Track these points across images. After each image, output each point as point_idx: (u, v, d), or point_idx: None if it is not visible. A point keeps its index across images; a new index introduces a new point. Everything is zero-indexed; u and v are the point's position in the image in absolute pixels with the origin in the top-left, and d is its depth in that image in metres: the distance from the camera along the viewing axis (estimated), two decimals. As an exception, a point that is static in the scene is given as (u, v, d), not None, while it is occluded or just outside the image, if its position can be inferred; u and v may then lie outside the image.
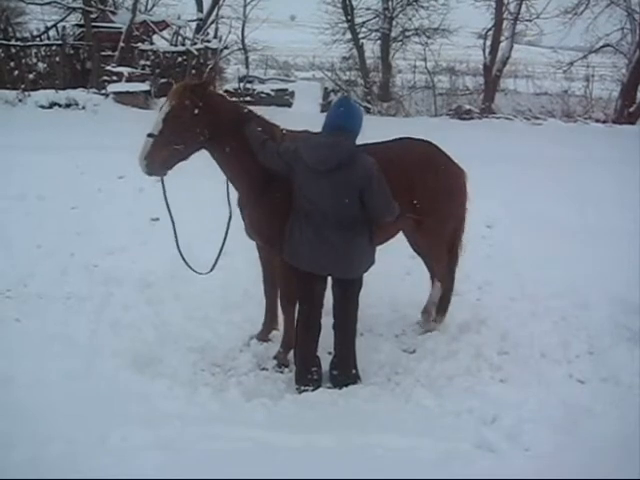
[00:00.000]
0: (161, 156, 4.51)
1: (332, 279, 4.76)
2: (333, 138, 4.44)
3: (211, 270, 5.08)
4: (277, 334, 5.47)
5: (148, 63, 19.99)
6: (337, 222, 4.48)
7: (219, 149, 4.74)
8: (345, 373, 4.82)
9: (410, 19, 22.62)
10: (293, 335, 4.98)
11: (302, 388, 4.75)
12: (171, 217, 4.92)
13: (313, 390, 4.71)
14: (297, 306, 4.90)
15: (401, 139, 5.45)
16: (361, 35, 22.59)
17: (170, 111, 4.47)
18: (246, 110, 4.91)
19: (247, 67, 23.95)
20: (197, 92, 4.55)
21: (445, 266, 5.67)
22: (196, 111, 4.50)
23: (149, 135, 4.47)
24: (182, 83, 4.70)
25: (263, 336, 5.49)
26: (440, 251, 5.59)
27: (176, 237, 4.96)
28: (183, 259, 4.99)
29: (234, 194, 5.01)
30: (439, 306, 5.76)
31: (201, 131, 4.57)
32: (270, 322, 5.51)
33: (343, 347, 4.83)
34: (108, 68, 18.71)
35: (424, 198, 5.12)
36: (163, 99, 16.05)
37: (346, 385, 4.76)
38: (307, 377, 4.79)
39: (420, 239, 5.56)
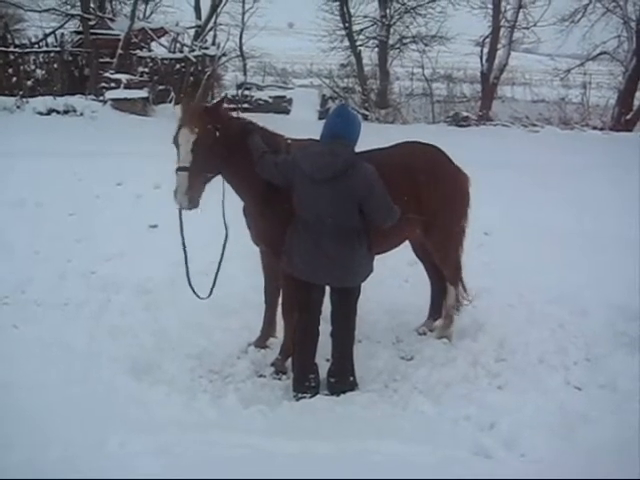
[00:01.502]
0: (197, 187, 4.49)
1: (330, 287, 4.76)
2: (331, 147, 4.44)
3: (209, 295, 5.03)
4: (275, 341, 5.48)
5: (146, 70, 20.03)
6: (336, 231, 4.48)
7: (228, 162, 4.71)
8: (342, 380, 4.82)
9: (407, 27, 22.70)
10: (292, 342, 4.98)
11: (300, 395, 4.74)
12: (184, 249, 4.92)
13: (311, 397, 4.71)
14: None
15: (405, 143, 5.48)
16: (359, 42, 22.65)
17: (197, 140, 4.41)
18: (248, 121, 4.93)
19: (245, 74, 23.98)
20: (216, 115, 4.53)
21: (455, 270, 5.70)
22: (217, 134, 4.49)
23: (181, 169, 4.40)
24: (196, 106, 4.64)
25: (261, 343, 5.49)
26: (450, 256, 5.63)
27: (187, 268, 4.91)
28: (191, 287, 4.94)
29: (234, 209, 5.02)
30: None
31: (222, 152, 4.55)
32: (268, 329, 5.51)
33: (341, 354, 4.83)
34: (106, 75, 18.73)
35: (431, 204, 5.14)
36: (161, 106, 16.00)
37: (343, 392, 4.76)
38: (305, 384, 4.79)
39: (430, 246, 5.55)
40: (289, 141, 4.95)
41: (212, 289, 5.03)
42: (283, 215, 4.68)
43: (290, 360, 5.02)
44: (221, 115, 4.62)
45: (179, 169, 4.42)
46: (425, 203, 5.11)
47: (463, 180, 5.52)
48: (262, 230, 4.93)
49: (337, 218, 4.47)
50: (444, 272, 5.72)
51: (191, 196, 4.45)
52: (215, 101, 4.72)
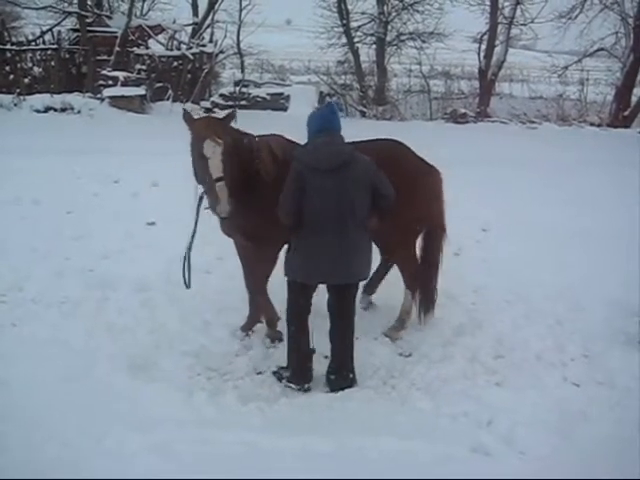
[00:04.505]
0: (230, 193, 4.62)
1: (331, 286, 4.77)
2: (330, 138, 4.54)
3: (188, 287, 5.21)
4: (261, 326, 5.62)
5: (144, 67, 20.05)
6: (354, 226, 4.53)
7: None
8: (342, 377, 4.83)
9: (405, 23, 22.75)
10: (270, 310, 5.40)
11: (306, 386, 4.84)
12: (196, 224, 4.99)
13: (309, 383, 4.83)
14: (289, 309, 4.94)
15: (375, 140, 5.56)
16: (356, 39, 22.68)
17: (224, 150, 4.58)
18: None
19: (243, 71, 23.98)
20: (228, 125, 4.80)
21: (413, 272, 5.66)
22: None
23: (218, 180, 4.54)
24: (212, 119, 4.85)
25: (248, 328, 5.64)
26: (407, 255, 5.62)
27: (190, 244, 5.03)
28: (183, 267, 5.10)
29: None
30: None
31: (235, 158, 4.75)
32: (254, 315, 5.66)
33: (342, 352, 4.84)
34: (104, 72, 18.72)
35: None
36: (158, 103, 16.12)
37: (342, 389, 4.77)
38: (307, 374, 4.87)
39: (388, 241, 5.49)
40: (256, 138, 5.11)
41: (188, 280, 5.18)
42: (263, 206, 4.79)
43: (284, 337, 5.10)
44: (229, 124, 4.84)
45: (217, 180, 4.54)
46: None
47: (427, 177, 5.48)
48: (241, 221, 4.96)
49: (358, 210, 4.51)
50: (401, 273, 5.72)
51: (230, 203, 4.58)
52: (226, 115, 4.90)
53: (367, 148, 5.19)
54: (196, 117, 4.80)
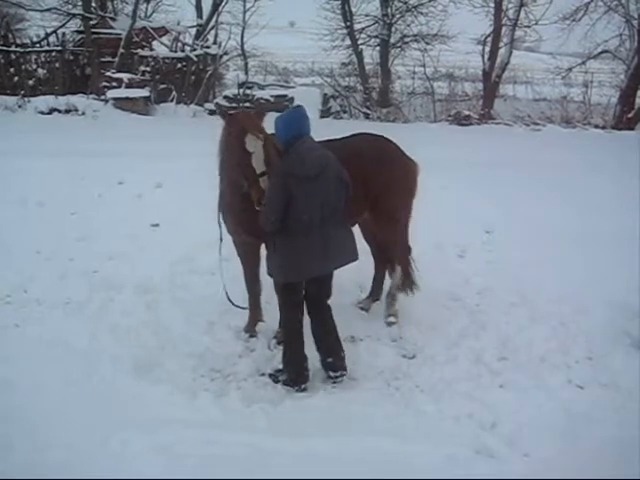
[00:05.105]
0: None
1: (310, 280, 4.84)
2: (308, 143, 4.67)
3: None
4: (263, 325, 5.65)
5: (148, 69, 20.06)
6: (337, 217, 4.73)
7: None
8: (339, 358, 4.91)
9: (409, 25, 22.67)
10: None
11: (303, 386, 4.87)
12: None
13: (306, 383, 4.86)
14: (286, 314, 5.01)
15: (359, 134, 5.78)
16: (360, 41, 22.64)
17: (265, 145, 4.68)
18: None
19: (246, 73, 23.96)
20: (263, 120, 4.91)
21: (402, 250, 5.87)
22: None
23: (262, 174, 4.62)
24: (250, 114, 4.95)
25: (250, 329, 5.68)
26: (396, 236, 5.80)
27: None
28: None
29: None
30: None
31: None
32: (255, 315, 5.71)
33: (329, 335, 4.94)
34: (108, 74, 18.77)
35: (376, 187, 5.40)
36: (163, 105, 16.06)
37: (341, 372, 4.87)
38: (303, 374, 4.90)
39: (377, 227, 5.76)
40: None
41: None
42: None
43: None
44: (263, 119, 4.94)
45: (261, 174, 4.63)
46: (371, 186, 5.35)
47: (409, 168, 5.71)
48: (246, 219, 4.99)
49: (337, 204, 4.71)
50: (391, 252, 5.92)
51: None
52: (257, 110, 5.06)
53: (353, 145, 5.49)
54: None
